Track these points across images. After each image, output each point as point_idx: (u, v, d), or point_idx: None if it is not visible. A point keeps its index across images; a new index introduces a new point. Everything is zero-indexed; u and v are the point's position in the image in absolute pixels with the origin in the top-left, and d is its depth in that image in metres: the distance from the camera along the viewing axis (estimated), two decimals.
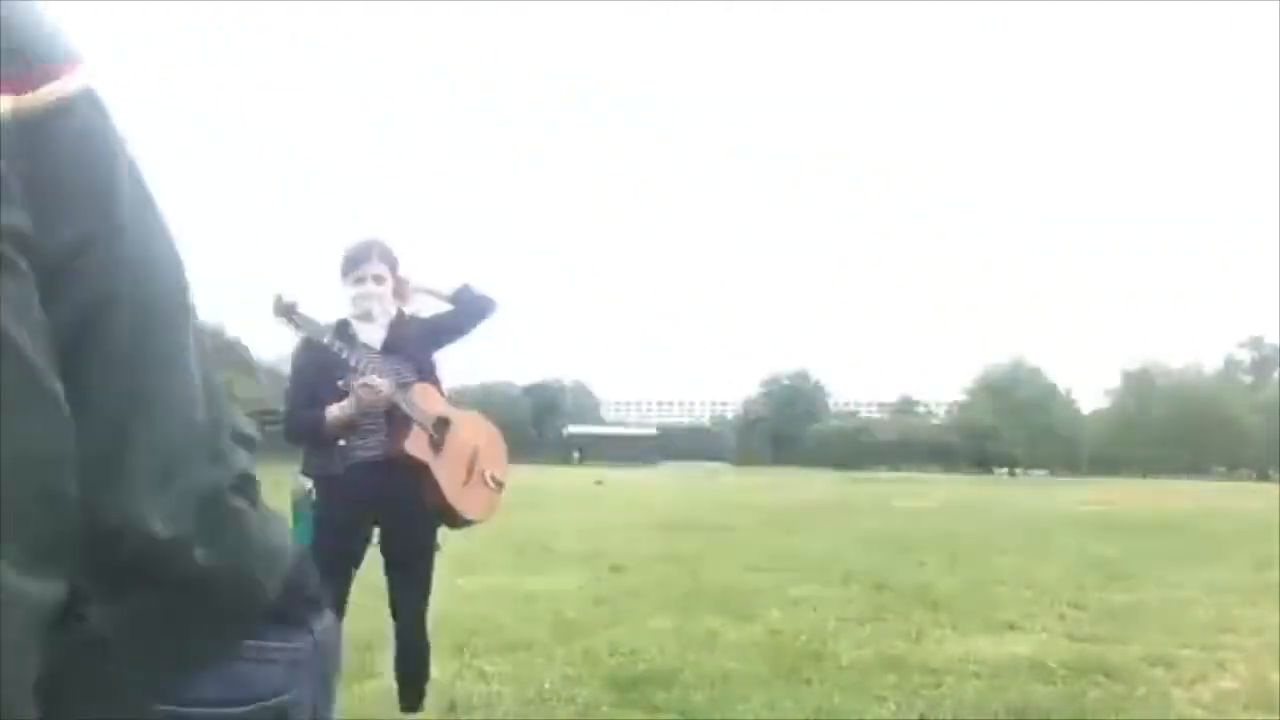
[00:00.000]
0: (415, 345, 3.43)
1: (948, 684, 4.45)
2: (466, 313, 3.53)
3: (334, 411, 3.20)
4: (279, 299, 3.10)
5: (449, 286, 3.53)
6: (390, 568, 3.37)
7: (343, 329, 3.30)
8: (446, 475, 3.31)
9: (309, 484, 3.28)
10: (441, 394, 3.42)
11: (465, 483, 3.38)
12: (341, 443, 3.22)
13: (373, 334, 3.37)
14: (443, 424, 3.34)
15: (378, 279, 3.36)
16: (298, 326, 3.12)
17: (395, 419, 3.22)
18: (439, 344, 3.50)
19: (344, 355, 3.13)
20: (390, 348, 3.37)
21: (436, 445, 3.29)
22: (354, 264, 3.36)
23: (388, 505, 3.27)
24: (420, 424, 3.24)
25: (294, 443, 3.39)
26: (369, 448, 3.25)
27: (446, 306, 3.56)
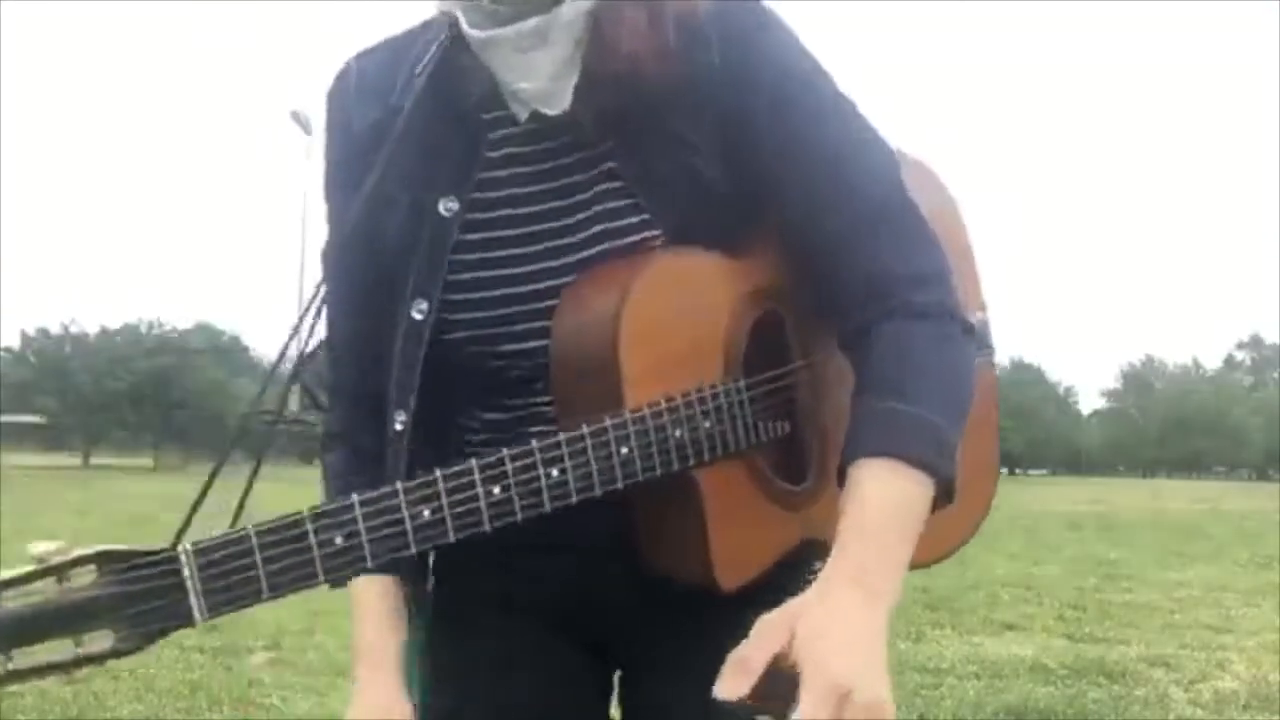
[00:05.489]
0: (655, 118, 0.89)
1: (948, 684, 4.45)
2: None
3: None
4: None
5: None
6: None
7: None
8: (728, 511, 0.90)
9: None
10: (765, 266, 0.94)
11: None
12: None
13: (532, 82, 0.88)
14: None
15: None
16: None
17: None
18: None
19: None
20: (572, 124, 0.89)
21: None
22: None
23: (602, 605, 0.97)
24: None
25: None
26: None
27: None
